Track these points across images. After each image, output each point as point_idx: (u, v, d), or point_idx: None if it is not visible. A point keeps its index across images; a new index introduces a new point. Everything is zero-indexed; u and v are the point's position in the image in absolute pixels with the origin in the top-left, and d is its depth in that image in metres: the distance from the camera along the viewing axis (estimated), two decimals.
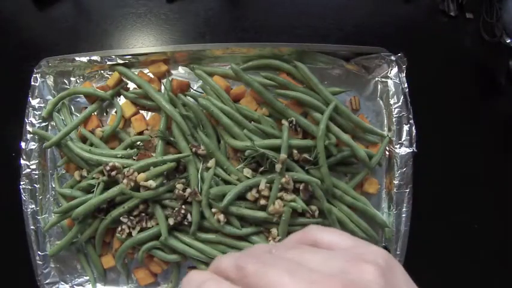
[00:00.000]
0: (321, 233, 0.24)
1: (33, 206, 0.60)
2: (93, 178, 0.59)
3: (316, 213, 0.59)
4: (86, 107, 0.64)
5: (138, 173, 0.57)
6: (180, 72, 0.66)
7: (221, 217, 0.57)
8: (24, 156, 0.61)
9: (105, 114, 0.65)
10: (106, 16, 0.71)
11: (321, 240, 0.23)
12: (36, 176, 0.61)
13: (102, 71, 0.65)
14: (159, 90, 0.64)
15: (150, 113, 0.64)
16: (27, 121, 0.62)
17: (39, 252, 0.60)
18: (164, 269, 0.61)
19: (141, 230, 0.59)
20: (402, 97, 0.63)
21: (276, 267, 0.20)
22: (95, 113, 0.64)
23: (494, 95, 0.71)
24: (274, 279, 0.19)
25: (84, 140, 0.62)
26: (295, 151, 0.59)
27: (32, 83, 0.63)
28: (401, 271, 0.23)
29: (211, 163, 0.60)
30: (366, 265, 0.21)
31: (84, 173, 0.60)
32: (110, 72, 0.65)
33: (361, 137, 0.63)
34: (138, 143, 0.61)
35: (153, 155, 0.61)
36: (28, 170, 0.60)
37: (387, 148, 0.63)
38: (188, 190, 0.58)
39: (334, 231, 0.24)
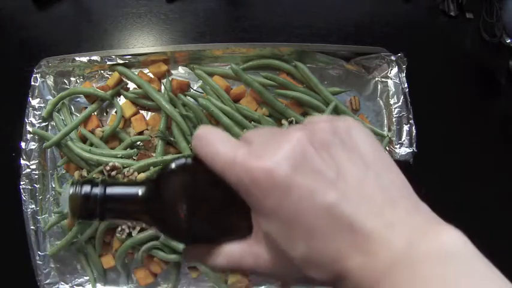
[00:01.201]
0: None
1: (33, 206, 0.60)
2: (93, 178, 0.59)
3: None
4: (86, 107, 0.64)
5: (138, 173, 0.57)
6: (180, 72, 0.66)
7: None
8: (24, 156, 0.61)
9: (105, 114, 0.65)
10: (106, 16, 0.71)
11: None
12: (36, 176, 0.61)
13: (102, 71, 0.65)
14: (159, 90, 0.64)
15: (150, 113, 0.64)
16: (27, 121, 0.62)
17: (39, 252, 0.60)
18: (164, 269, 0.61)
19: (141, 230, 0.59)
20: (402, 97, 0.63)
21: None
22: (95, 113, 0.64)
23: (494, 95, 0.71)
24: (248, 134, 0.25)
25: (84, 140, 0.62)
26: None
27: (32, 83, 0.63)
28: (364, 133, 0.24)
29: None
30: (322, 122, 0.24)
31: (84, 173, 0.60)
32: (110, 72, 0.65)
33: None
34: (138, 143, 0.61)
35: (153, 155, 0.61)
36: (28, 170, 0.60)
37: (387, 148, 0.63)
38: None
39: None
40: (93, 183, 0.26)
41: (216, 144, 0.23)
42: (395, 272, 0.20)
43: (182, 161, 0.26)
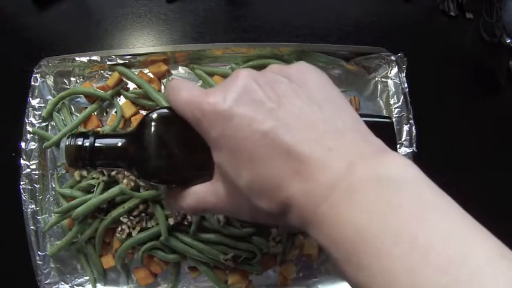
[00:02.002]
0: None
1: (33, 206, 0.60)
2: (93, 178, 0.59)
3: None
4: (86, 107, 0.64)
5: None
6: (180, 72, 0.66)
7: (221, 217, 0.57)
8: (24, 156, 0.61)
9: (105, 114, 0.65)
10: (106, 16, 0.71)
11: None
12: (36, 176, 0.61)
13: (102, 71, 0.65)
14: (159, 90, 0.64)
15: None
16: (27, 121, 0.62)
17: (39, 252, 0.60)
18: (164, 269, 0.61)
19: (141, 230, 0.59)
20: (402, 97, 0.63)
21: None
22: (95, 113, 0.64)
23: (494, 95, 0.71)
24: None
25: None
26: None
27: (32, 83, 0.63)
28: (317, 73, 0.25)
29: None
30: (274, 65, 0.27)
31: (84, 173, 0.60)
32: (110, 72, 0.65)
33: None
34: None
35: None
36: (28, 170, 0.60)
37: None
38: None
39: None
40: (85, 135, 0.30)
41: (180, 90, 0.26)
42: (334, 195, 0.20)
43: (157, 111, 0.29)
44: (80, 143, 0.29)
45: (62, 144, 0.30)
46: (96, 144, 0.29)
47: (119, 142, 0.29)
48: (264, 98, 0.23)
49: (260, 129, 0.22)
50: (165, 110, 0.29)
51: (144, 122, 0.29)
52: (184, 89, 0.26)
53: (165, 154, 0.28)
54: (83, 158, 0.30)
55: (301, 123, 0.22)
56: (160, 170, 0.29)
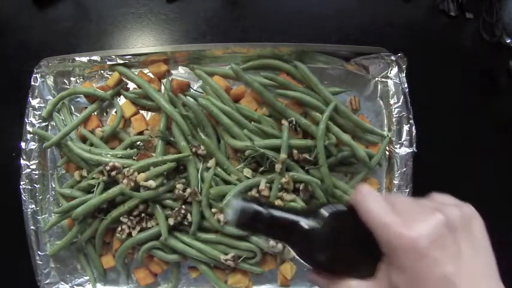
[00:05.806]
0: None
1: (33, 206, 0.60)
2: (93, 178, 0.59)
3: None
4: (86, 107, 0.64)
5: (138, 173, 0.57)
6: (180, 72, 0.66)
7: (221, 217, 0.57)
8: (24, 156, 0.61)
9: (105, 114, 0.65)
10: (106, 16, 0.71)
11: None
12: (36, 176, 0.61)
13: (102, 71, 0.65)
14: (159, 90, 0.64)
15: (150, 113, 0.64)
16: (27, 121, 0.62)
17: (39, 252, 0.60)
18: (164, 269, 0.61)
19: (141, 230, 0.59)
20: (402, 97, 0.63)
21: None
22: (95, 113, 0.64)
23: (494, 95, 0.71)
24: (394, 200, 0.32)
25: (84, 140, 0.62)
26: (295, 151, 0.59)
27: (32, 83, 0.63)
28: (480, 222, 0.31)
29: (211, 163, 0.60)
30: (452, 208, 0.31)
31: (84, 173, 0.60)
32: (110, 72, 0.65)
33: (361, 137, 0.63)
34: (138, 143, 0.61)
35: (153, 155, 0.61)
36: (28, 170, 0.60)
37: (387, 148, 0.63)
38: (188, 190, 0.58)
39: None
40: (260, 202, 0.32)
41: (374, 205, 0.30)
42: None
43: (339, 206, 0.32)
44: (259, 209, 0.31)
45: (234, 203, 0.31)
46: (274, 216, 0.31)
47: (297, 223, 0.31)
48: (449, 244, 0.28)
49: (442, 272, 0.27)
50: (345, 209, 0.32)
51: (323, 211, 0.31)
52: (379, 207, 0.30)
53: (335, 247, 0.31)
54: (256, 225, 0.31)
55: (470, 271, 0.28)
56: (326, 258, 0.31)
